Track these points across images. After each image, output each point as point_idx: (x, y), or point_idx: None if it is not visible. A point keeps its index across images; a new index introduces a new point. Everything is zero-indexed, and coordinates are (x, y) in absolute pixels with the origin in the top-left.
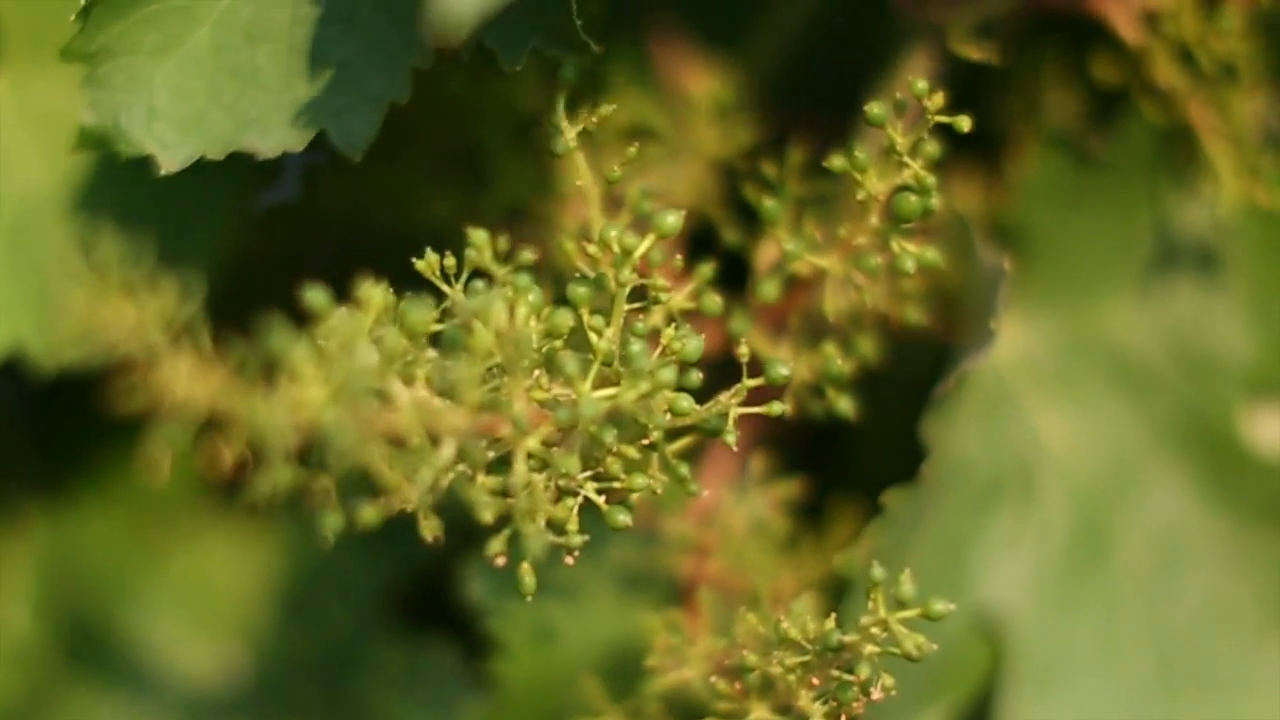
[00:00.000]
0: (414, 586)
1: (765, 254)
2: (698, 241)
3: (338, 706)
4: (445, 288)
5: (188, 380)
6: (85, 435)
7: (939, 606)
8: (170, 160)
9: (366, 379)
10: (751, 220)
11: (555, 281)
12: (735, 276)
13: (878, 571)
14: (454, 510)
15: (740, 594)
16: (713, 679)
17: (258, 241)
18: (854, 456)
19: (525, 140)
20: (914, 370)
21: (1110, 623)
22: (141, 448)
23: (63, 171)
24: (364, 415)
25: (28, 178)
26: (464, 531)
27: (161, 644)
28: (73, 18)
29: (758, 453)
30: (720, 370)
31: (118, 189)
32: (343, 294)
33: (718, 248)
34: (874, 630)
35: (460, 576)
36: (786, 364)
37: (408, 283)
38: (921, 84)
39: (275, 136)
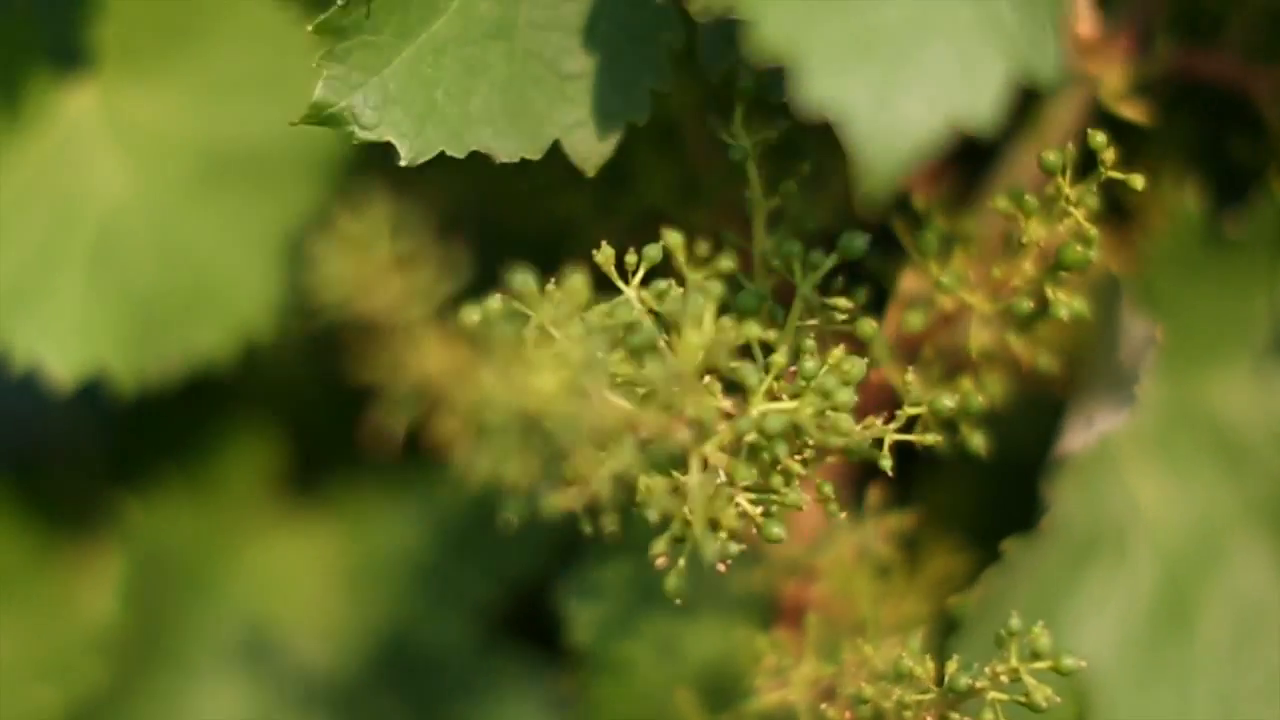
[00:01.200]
0: (509, 602)
1: (907, 284)
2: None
3: (426, 709)
4: (622, 285)
5: (430, 355)
6: (170, 430)
7: (1069, 662)
8: (408, 151)
9: (601, 369)
10: (892, 248)
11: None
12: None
13: (1015, 621)
14: (551, 528)
15: (841, 621)
16: (822, 706)
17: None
18: (950, 493)
19: (669, 143)
20: (1020, 414)
21: (1187, 691)
22: (374, 416)
23: (151, 184)
24: (584, 405)
25: (115, 191)
26: (560, 550)
27: (244, 638)
28: None
29: (873, 481)
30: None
31: (201, 207)
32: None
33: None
34: (1003, 678)
35: (557, 593)
36: (952, 396)
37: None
38: (1100, 136)
39: (511, 141)
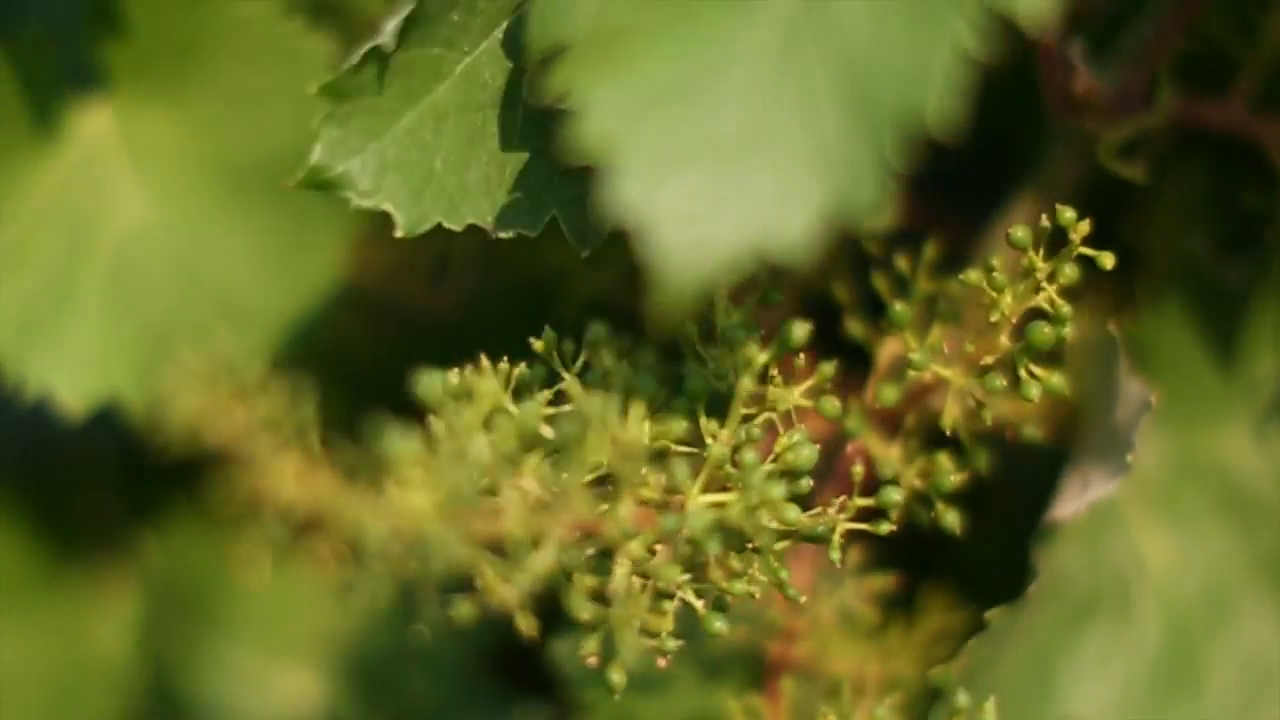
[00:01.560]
0: (503, 650)
1: (887, 353)
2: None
3: None
4: (563, 371)
5: (293, 481)
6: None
7: None
8: (405, 222)
9: (476, 485)
10: (877, 310)
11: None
12: (851, 366)
13: (962, 698)
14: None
15: (824, 682)
16: None
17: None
18: (947, 553)
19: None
20: (1019, 474)
21: None
22: (241, 544)
23: (168, 205)
24: (468, 522)
25: (132, 213)
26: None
27: (242, 681)
28: (354, 60)
29: (853, 546)
30: (830, 459)
31: (220, 227)
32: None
33: (837, 346)
34: None
35: (550, 647)
36: (899, 489)
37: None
38: (1069, 213)
39: (508, 212)
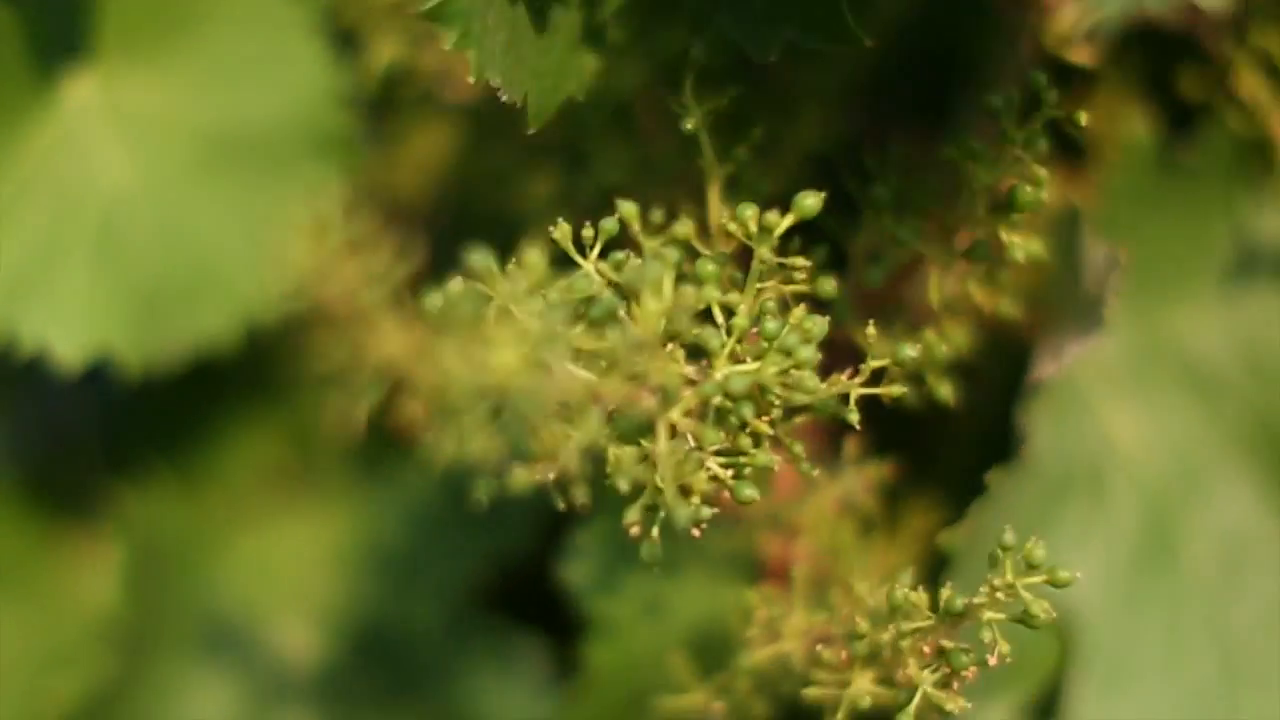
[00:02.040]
0: (499, 579)
1: (864, 242)
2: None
3: (416, 693)
4: (580, 259)
5: (390, 338)
6: (166, 420)
7: (1064, 574)
8: (473, 69)
9: (559, 342)
10: (846, 211)
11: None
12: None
13: (1009, 535)
14: (541, 505)
15: (827, 574)
16: (818, 648)
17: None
18: (927, 443)
19: (622, 122)
20: (991, 362)
21: (1175, 623)
22: (333, 401)
23: (154, 171)
24: (547, 380)
25: (118, 179)
26: (552, 526)
27: (237, 626)
28: None
29: (850, 435)
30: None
31: (204, 193)
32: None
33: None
34: (999, 595)
35: (557, 567)
36: (914, 347)
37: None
38: (1041, 77)
39: (513, 83)
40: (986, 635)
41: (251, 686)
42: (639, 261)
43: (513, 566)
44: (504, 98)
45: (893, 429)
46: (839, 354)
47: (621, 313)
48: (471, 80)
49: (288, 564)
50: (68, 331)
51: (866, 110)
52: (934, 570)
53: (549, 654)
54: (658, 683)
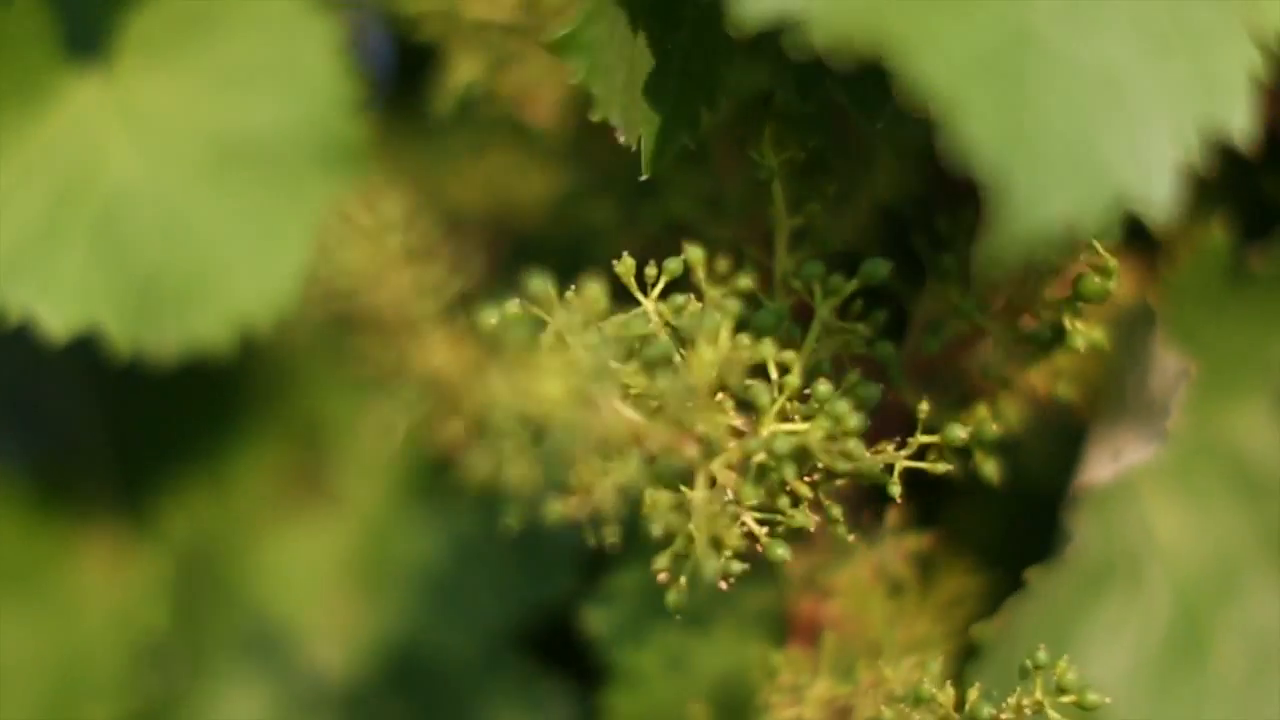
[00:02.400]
0: (532, 620)
1: (927, 308)
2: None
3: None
4: (640, 297)
5: (438, 352)
6: (183, 425)
7: (1093, 697)
8: (597, 103)
9: (606, 377)
10: (912, 272)
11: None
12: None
13: (1042, 655)
14: (576, 549)
15: (855, 641)
16: None
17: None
18: (966, 516)
19: (697, 154)
20: (1039, 440)
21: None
22: (377, 411)
23: (160, 169)
24: (592, 414)
25: (122, 172)
26: (584, 570)
27: (253, 639)
28: None
29: (892, 504)
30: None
31: (207, 195)
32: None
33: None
34: (1026, 711)
35: (582, 613)
36: (965, 427)
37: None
38: None
39: (630, 124)
40: None
41: (271, 699)
42: (699, 307)
43: (549, 608)
44: (620, 139)
45: (932, 496)
46: (886, 416)
47: (676, 357)
48: (595, 118)
49: (311, 577)
50: (57, 306)
51: (947, 169)
52: (965, 656)
53: (576, 699)
54: None
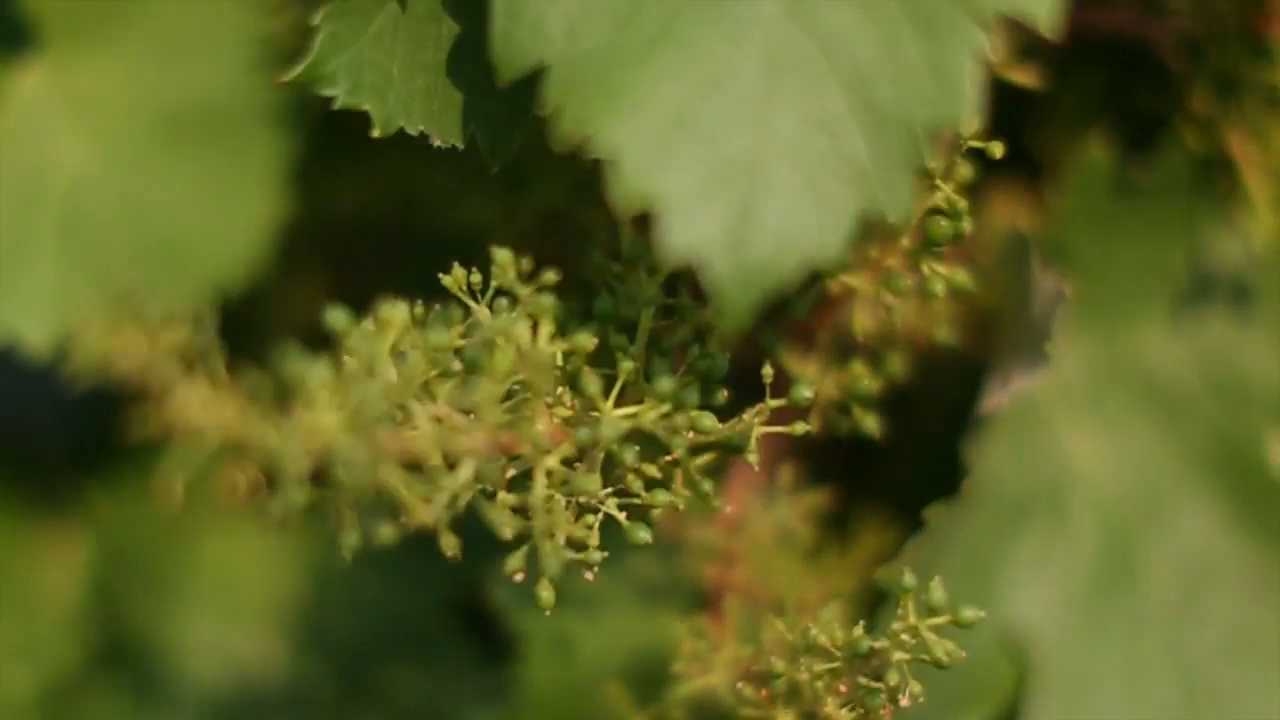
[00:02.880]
0: (459, 586)
1: None
2: None
3: (374, 698)
4: (471, 303)
5: (202, 407)
6: (119, 422)
7: (969, 613)
8: (378, 121)
9: (383, 402)
10: None
11: (585, 292)
12: None
13: (909, 578)
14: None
15: (765, 603)
16: (739, 685)
17: (300, 229)
18: (879, 468)
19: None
20: (942, 385)
21: (1135, 647)
22: (156, 472)
23: (111, 153)
24: (379, 440)
25: (77, 164)
26: (494, 536)
27: (195, 636)
28: None
29: (785, 463)
30: (748, 382)
31: (162, 171)
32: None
33: None
34: (904, 637)
35: (487, 584)
36: (810, 385)
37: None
38: None
39: (443, 127)
40: (894, 677)
41: (211, 692)
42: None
43: (474, 575)
44: (436, 143)
45: (842, 452)
46: (775, 386)
47: (487, 361)
48: (376, 133)
49: (247, 572)
50: (37, 319)
51: None
52: (875, 602)
53: (488, 668)
54: (595, 709)
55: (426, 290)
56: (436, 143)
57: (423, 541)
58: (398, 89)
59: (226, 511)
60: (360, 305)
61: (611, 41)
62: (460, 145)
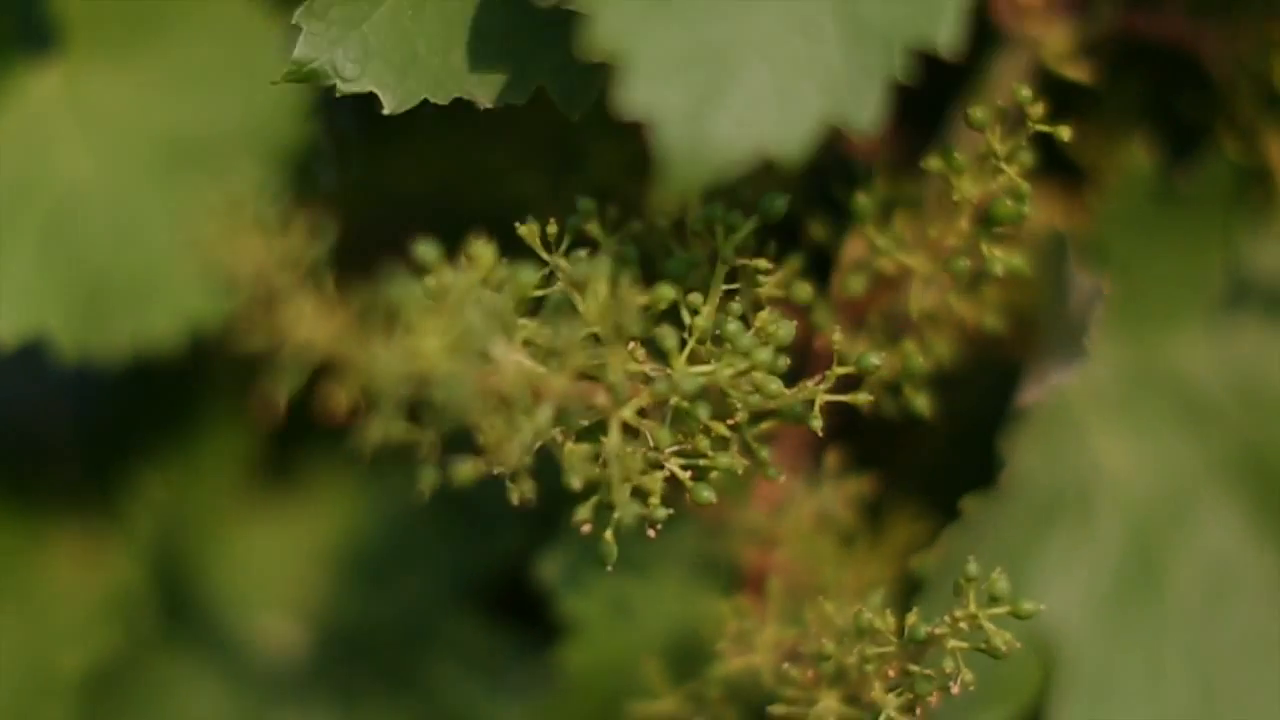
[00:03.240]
0: (487, 576)
1: (851, 250)
2: (783, 234)
3: (402, 685)
4: (546, 255)
5: (309, 323)
6: (148, 417)
7: (1028, 605)
8: (391, 100)
9: (481, 333)
10: (837, 216)
11: (639, 263)
12: (816, 272)
13: (973, 567)
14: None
15: (804, 586)
16: (785, 665)
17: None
18: (911, 458)
19: (616, 121)
20: (977, 377)
21: (1157, 649)
22: (258, 387)
23: (110, 168)
24: (476, 370)
25: (73, 170)
26: (538, 525)
27: (228, 626)
28: None
29: (830, 446)
30: (799, 359)
31: (156, 194)
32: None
33: (804, 242)
34: (962, 625)
35: (534, 564)
36: (878, 355)
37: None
38: (1025, 91)
39: (494, 88)
40: (949, 664)
41: (241, 679)
42: (581, 264)
43: (504, 563)
44: (486, 105)
45: (876, 441)
46: (819, 362)
47: (574, 307)
48: (386, 111)
49: (275, 561)
50: (5, 310)
51: None
52: (910, 590)
53: (535, 654)
54: (633, 687)
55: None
56: (486, 104)
57: (457, 530)
58: (424, 64)
59: (259, 501)
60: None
61: None
62: (522, 102)
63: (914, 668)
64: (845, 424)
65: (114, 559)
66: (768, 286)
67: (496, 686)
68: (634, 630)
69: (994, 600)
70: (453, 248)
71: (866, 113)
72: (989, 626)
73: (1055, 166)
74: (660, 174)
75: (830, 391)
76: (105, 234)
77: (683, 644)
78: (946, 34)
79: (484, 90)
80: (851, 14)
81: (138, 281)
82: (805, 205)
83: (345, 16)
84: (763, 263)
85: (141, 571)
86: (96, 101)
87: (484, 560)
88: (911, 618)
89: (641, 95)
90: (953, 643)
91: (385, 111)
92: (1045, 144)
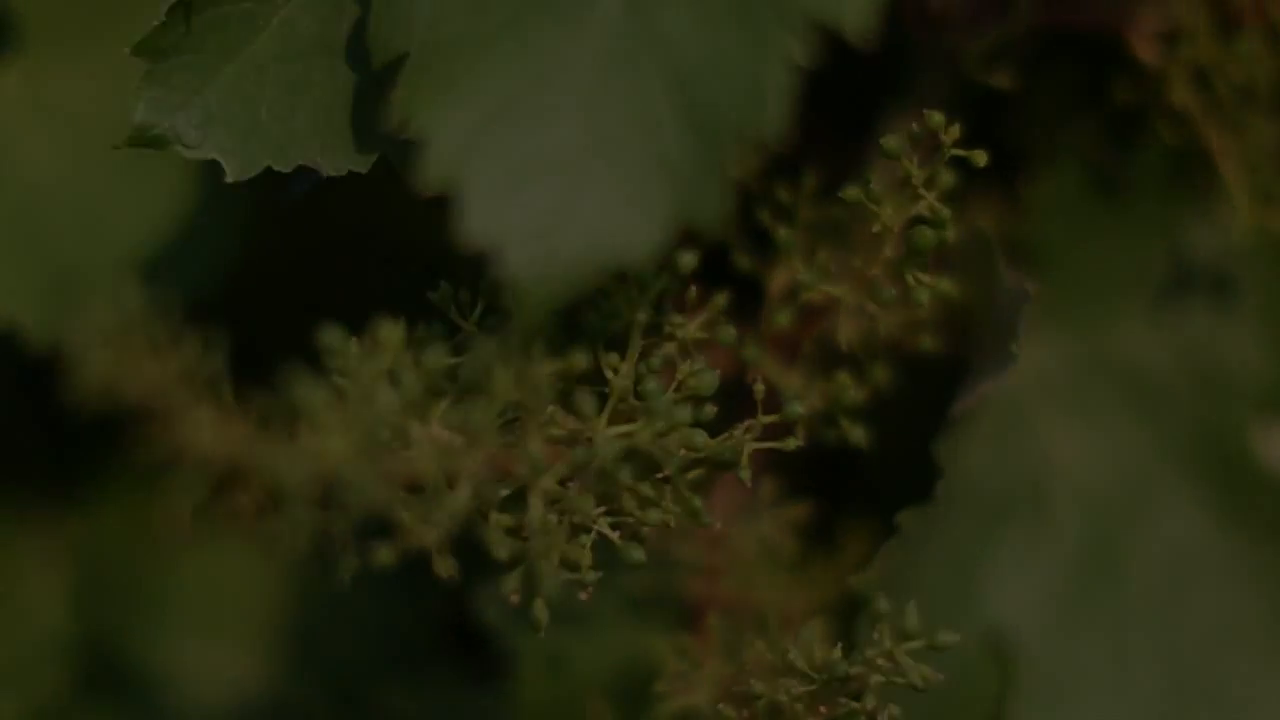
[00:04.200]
0: (436, 607)
1: (779, 281)
2: (709, 261)
3: None
4: (461, 322)
5: (209, 431)
6: (104, 437)
7: (945, 638)
8: (233, 168)
9: (387, 425)
10: (764, 244)
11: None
12: (746, 299)
13: (883, 603)
14: (473, 537)
15: (751, 617)
16: (720, 705)
17: (279, 240)
18: (864, 477)
19: None
20: (926, 390)
21: (1121, 642)
22: (161, 497)
23: (73, 164)
24: (382, 462)
25: (35, 167)
26: (485, 555)
27: (176, 655)
28: (161, 17)
29: (768, 477)
30: (732, 396)
31: (122, 189)
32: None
33: (730, 273)
34: (880, 661)
35: (477, 601)
36: (801, 401)
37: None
38: (938, 117)
39: (338, 155)
40: (870, 701)
41: (201, 713)
42: (490, 339)
43: (449, 594)
44: (329, 173)
45: (821, 465)
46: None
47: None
48: (229, 179)
49: (232, 588)
50: None
51: (789, 139)
52: (852, 613)
53: (478, 685)
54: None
55: (411, 303)
56: (331, 172)
57: (412, 560)
58: (266, 130)
59: (212, 529)
60: (348, 317)
61: (462, 31)
62: (364, 171)
63: (844, 700)
64: (791, 451)
65: (69, 588)
66: (692, 329)
67: (462, 717)
68: (579, 669)
69: (906, 635)
70: (383, 283)
71: (709, 207)
72: (905, 661)
73: (991, 161)
74: (512, 301)
75: (760, 437)
76: (71, 229)
77: (632, 680)
78: (775, 119)
79: (327, 157)
80: (689, 106)
81: (106, 276)
82: (731, 233)
83: (186, 83)
84: (675, 316)
85: (92, 601)
86: (56, 98)
87: (446, 589)
88: (835, 654)
89: (480, 224)
90: (873, 679)
91: (228, 179)
92: (979, 134)
